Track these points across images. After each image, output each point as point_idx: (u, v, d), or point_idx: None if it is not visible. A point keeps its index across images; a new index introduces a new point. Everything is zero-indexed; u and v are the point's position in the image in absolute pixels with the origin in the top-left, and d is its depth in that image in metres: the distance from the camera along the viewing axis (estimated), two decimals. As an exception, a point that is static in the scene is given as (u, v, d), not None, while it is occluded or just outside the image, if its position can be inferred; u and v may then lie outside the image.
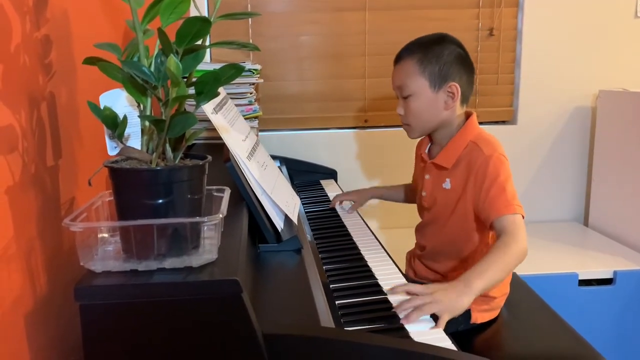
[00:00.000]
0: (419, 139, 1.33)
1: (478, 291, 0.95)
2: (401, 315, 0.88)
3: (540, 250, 1.87)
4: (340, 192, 1.73)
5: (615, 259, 1.80)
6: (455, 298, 0.92)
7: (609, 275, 1.73)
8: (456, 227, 1.20)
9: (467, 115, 1.22)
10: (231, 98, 1.19)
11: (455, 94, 1.16)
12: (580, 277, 1.71)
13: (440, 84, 1.16)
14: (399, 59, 1.22)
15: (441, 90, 1.16)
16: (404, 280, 1.03)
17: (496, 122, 2.15)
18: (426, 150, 1.28)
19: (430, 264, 1.28)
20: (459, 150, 1.18)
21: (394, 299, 0.93)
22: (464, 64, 1.18)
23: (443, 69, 1.15)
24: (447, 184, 1.20)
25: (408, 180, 1.91)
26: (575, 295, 1.70)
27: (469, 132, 1.18)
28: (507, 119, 2.16)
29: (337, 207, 1.52)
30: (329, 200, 1.60)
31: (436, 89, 1.16)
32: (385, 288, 0.99)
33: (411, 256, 1.38)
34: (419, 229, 1.34)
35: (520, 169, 2.10)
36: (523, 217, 1.11)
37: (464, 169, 1.16)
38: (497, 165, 1.11)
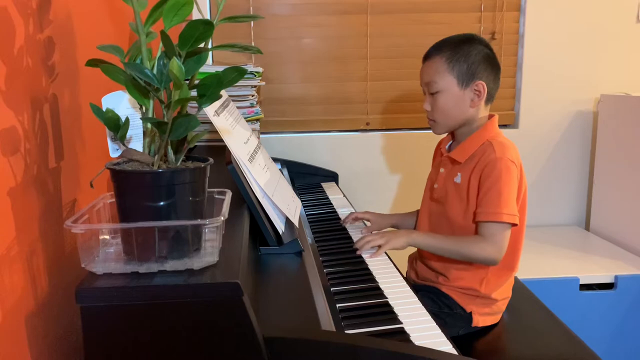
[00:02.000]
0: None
1: (414, 243, 1.19)
2: (359, 251, 1.16)
3: (541, 255, 1.87)
4: (342, 195, 1.73)
5: (617, 264, 1.80)
6: (393, 237, 1.18)
7: (610, 280, 1.72)
8: (462, 222, 1.21)
9: (489, 117, 1.25)
10: (233, 100, 1.19)
11: (482, 92, 1.19)
12: (582, 282, 1.70)
13: (467, 82, 1.19)
14: (428, 56, 1.25)
15: (468, 88, 1.19)
16: (404, 284, 1.03)
17: (498, 126, 2.15)
18: (447, 146, 1.31)
19: (432, 263, 1.28)
20: (475, 147, 1.21)
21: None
22: (491, 63, 1.21)
23: (471, 68, 1.18)
24: (458, 178, 1.22)
25: (408, 184, 1.92)
26: (576, 299, 1.70)
27: (487, 132, 1.21)
28: (509, 122, 2.16)
29: (339, 211, 1.52)
30: (330, 203, 1.60)
31: (463, 87, 1.19)
32: (386, 292, 0.98)
33: (413, 258, 1.38)
34: (424, 224, 1.34)
35: (521, 173, 2.10)
36: (515, 224, 1.13)
37: (474, 165, 1.19)
38: (503, 170, 1.14)
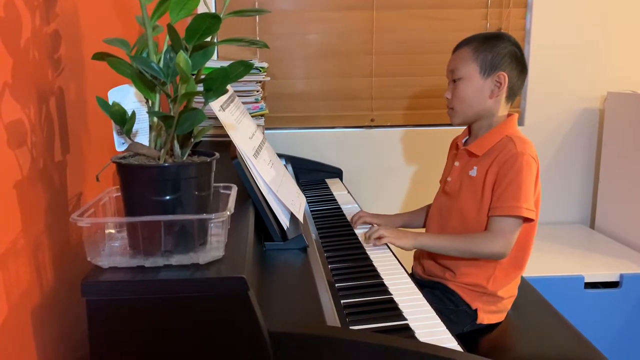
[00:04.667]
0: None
1: (420, 246, 1.21)
2: (366, 243, 1.20)
3: (546, 253, 1.86)
4: (346, 191, 1.73)
5: (622, 262, 1.79)
6: (402, 236, 1.20)
7: (615, 279, 1.72)
8: (475, 215, 1.21)
9: (508, 116, 1.26)
10: (238, 96, 1.19)
11: (502, 83, 1.20)
12: (586, 280, 1.70)
13: (489, 72, 1.20)
14: (457, 48, 1.27)
15: (489, 78, 1.21)
16: (409, 280, 1.03)
17: (503, 123, 2.14)
18: (463, 141, 1.32)
19: (440, 259, 1.27)
20: (493, 141, 1.21)
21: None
22: (517, 61, 1.22)
23: (495, 59, 1.20)
24: (473, 172, 1.23)
25: (413, 180, 1.90)
26: (581, 298, 1.70)
27: (506, 128, 1.22)
28: (514, 120, 2.15)
29: (344, 207, 1.51)
30: (335, 199, 1.60)
31: (485, 76, 1.21)
32: (390, 288, 0.98)
33: (420, 253, 1.38)
34: (435, 221, 1.34)
35: (526, 171, 2.08)
36: (532, 220, 1.14)
37: (492, 159, 1.19)
38: (524, 165, 1.14)
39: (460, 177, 1.26)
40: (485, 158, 1.21)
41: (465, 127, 1.33)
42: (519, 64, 1.22)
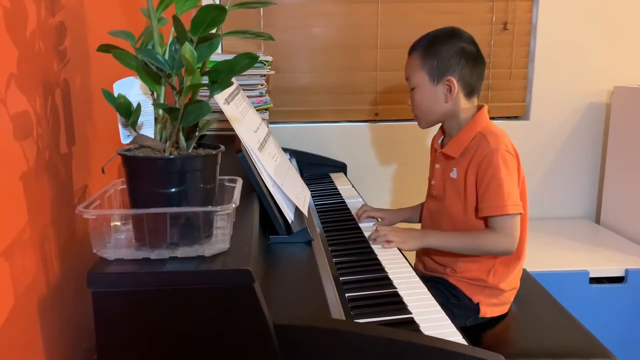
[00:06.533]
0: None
1: (428, 245, 1.19)
2: (371, 243, 1.17)
3: (551, 247, 1.86)
4: (350, 185, 1.72)
5: (627, 257, 1.79)
6: (408, 239, 1.17)
7: (620, 274, 1.71)
8: (462, 217, 1.21)
9: (479, 108, 1.24)
10: (242, 89, 1.19)
11: (452, 88, 1.20)
12: (591, 275, 1.70)
13: (438, 78, 1.21)
14: (409, 52, 1.28)
15: (440, 84, 1.21)
16: (414, 274, 1.03)
17: (508, 118, 2.13)
18: (439, 141, 1.32)
19: (440, 258, 1.27)
20: (467, 140, 1.21)
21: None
22: (467, 57, 1.20)
23: (441, 64, 1.20)
24: (454, 174, 1.23)
25: (416, 175, 1.90)
26: (586, 292, 1.69)
27: (477, 124, 1.21)
28: (520, 114, 2.14)
29: (348, 201, 1.51)
30: (339, 194, 1.60)
31: (434, 83, 1.21)
32: (395, 282, 0.98)
33: (420, 250, 1.38)
34: (427, 222, 1.35)
35: (532, 165, 2.07)
36: (521, 213, 1.14)
37: (469, 159, 1.19)
38: (500, 161, 1.14)
39: (443, 179, 1.27)
40: (462, 158, 1.21)
41: (439, 126, 1.33)
42: (470, 59, 1.21)
